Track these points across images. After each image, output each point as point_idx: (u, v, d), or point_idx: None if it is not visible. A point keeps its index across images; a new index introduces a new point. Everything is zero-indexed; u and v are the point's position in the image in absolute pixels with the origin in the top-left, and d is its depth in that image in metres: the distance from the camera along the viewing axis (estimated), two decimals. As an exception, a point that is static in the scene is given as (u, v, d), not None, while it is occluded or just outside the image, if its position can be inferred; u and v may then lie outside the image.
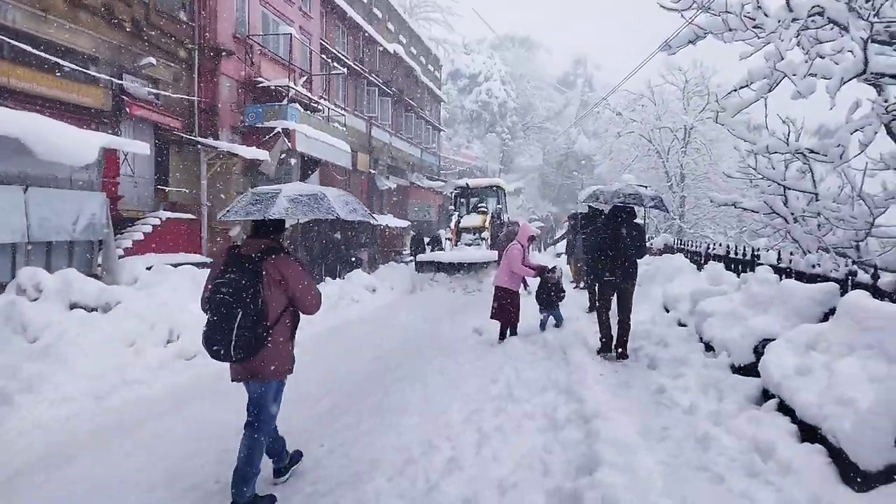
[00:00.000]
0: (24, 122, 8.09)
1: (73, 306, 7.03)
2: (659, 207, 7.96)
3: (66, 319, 6.60)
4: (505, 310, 8.09)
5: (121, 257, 10.21)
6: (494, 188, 20.05)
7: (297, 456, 4.27)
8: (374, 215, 4.30)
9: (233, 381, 3.74)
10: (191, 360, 7.15)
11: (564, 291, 8.70)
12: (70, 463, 4.33)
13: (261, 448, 3.68)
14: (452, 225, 17.65)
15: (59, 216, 8.90)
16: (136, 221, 12.21)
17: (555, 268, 8.61)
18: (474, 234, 16.99)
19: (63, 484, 3.98)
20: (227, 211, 3.78)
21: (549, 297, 8.49)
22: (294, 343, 3.87)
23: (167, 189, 13.81)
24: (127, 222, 12.03)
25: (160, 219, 12.34)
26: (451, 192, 20.83)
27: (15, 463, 4.32)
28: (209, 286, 3.56)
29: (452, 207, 20.13)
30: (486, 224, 17.19)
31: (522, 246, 8.23)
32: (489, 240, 16.86)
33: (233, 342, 3.37)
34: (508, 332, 8.17)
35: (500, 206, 19.59)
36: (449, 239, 17.45)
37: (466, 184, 19.66)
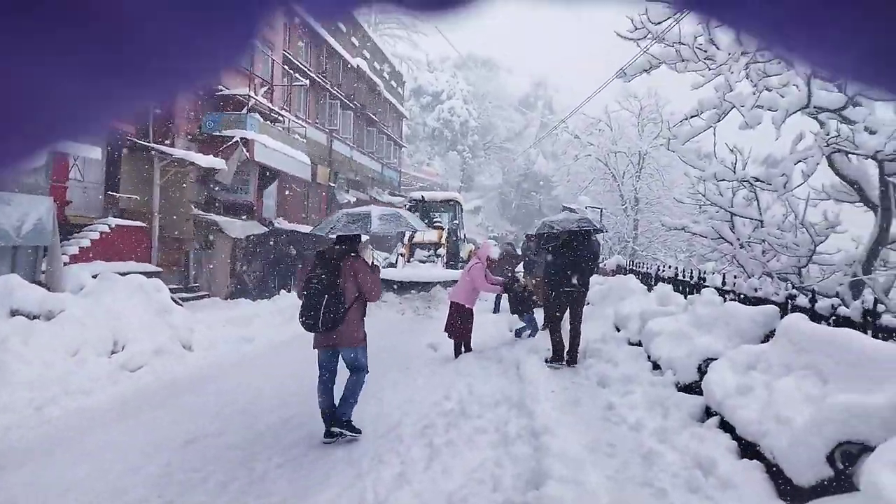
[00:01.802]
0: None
1: (14, 313, 6.77)
2: (587, 229, 8.27)
3: (7, 326, 6.36)
4: (459, 326, 8.15)
5: (66, 264, 9.88)
6: (451, 202, 19.21)
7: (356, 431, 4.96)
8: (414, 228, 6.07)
9: (316, 348, 4.93)
10: (135, 372, 6.95)
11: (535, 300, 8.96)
12: (9, 473, 4.16)
13: (361, 385, 5.00)
14: (405, 240, 16.35)
15: (3, 220, 8.58)
16: (83, 228, 11.85)
17: (524, 276, 8.89)
18: (429, 250, 16.08)
19: (1, 493, 3.83)
20: (332, 228, 5.21)
21: (525, 302, 8.75)
22: (364, 322, 5.02)
23: (117, 195, 13.45)
24: (74, 228, 11.65)
25: (109, 226, 11.99)
26: (405, 206, 19.55)
27: (-56, 475, 4.13)
28: (303, 279, 4.92)
29: None
30: (443, 240, 16.43)
31: (483, 264, 8.36)
32: (445, 257, 16.10)
33: (321, 318, 4.68)
34: (463, 349, 8.23)
35: (456, 222, 18.79)
36: (402, 254, 16.16)
37: (422, 196, 18.85)
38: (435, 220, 18.12)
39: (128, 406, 5.92)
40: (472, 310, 8.28)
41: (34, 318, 6.83)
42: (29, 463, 4.37)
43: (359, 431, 4.95)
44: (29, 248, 9.28)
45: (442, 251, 16.23)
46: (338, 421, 4.87)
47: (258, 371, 7.57)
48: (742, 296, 6.29)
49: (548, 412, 5.12)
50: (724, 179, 8.82)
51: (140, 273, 9.41)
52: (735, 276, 7.22)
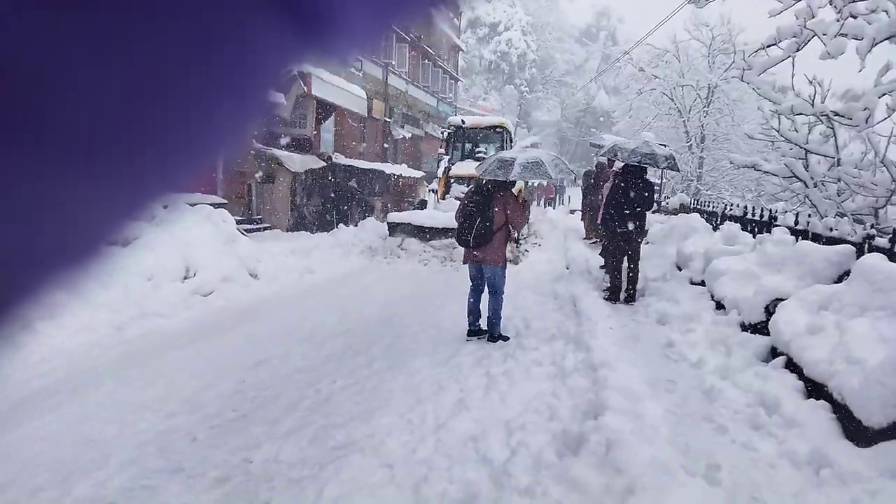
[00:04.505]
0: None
1: (92, 239, 7.14)
2: (672, 168, 7.97)
3: (86, 251, 6.72)
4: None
5: (137, 194, 10.26)
6: (498, 129, 14.89)
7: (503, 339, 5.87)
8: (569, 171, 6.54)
9: (465, 263, 5.95)
10: (207, 297, 7.29)
11: None
12: (91, 388, 4.47)
13: (501, 303, 5.85)
14: (440, 173, 13.64)
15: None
16: (151, 159, 12.22)
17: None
18: (468, 185, 12.40)
19: (84, 406, 4.13)
20: (484, 171, 5.94)
21: None
22: (508, 247, 5.94)
23: (182, 128, 13.75)
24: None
25: (176, 157, 12.33)
26: (443, 133, 15.95)
27: (36, 386, 4.48)
28: (461, 204, 5.86)
29: (443, 151, 15.31)
30: None
31: None
32: None
33: (472, 236, 5.62)
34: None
35: None
36: (434, 191, 13.60)
37: (462, 121, 15.08)
38: (478, 150, 14.63)
39: (200, 328, 6.24)
40: None
41: (111, 244, 7.18)
42: (110, 378, 4.69)
43: (507, 338, 5.84)
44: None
45: None
46: (490, 334, 5.82)
47: (320, 300, 7.81)
48: (815, 235, 6.03)
49: (605, 347, 5.13)
50: (800, 113, 8.33)
51: (207, 204, 9.72)
52: (809, 215, 6.92)
